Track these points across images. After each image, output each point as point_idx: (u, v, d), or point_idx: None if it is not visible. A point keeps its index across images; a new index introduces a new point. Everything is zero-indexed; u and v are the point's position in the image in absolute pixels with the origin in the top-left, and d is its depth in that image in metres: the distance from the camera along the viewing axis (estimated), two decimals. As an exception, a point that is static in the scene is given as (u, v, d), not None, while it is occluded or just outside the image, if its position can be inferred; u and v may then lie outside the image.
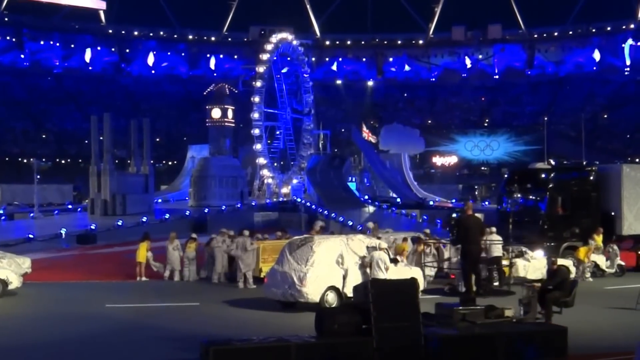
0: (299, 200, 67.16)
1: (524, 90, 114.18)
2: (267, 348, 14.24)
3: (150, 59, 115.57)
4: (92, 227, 45.38)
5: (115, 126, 61.78)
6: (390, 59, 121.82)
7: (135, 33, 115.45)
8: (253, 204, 65.75)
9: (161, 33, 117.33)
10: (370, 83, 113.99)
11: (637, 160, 78.66)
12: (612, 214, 33.00)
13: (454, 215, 25.73)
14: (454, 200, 78.25)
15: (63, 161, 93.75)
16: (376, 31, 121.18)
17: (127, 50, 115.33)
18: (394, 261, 24.02)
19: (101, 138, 57.77)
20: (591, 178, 33.93)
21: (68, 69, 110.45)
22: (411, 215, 55.09)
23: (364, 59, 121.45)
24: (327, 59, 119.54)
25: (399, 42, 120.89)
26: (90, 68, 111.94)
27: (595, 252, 31.16)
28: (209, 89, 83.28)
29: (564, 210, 32.20)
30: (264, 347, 14.30)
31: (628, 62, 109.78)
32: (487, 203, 71.21)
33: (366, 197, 73.37)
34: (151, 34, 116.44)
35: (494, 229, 29.49)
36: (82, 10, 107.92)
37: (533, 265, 29.16)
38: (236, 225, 35.40)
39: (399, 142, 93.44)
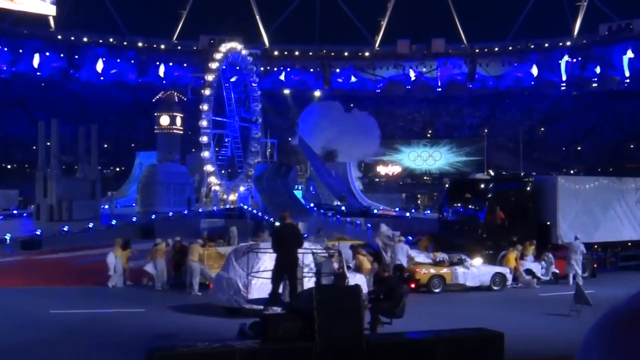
0: (245, 207, 67.01)
1: (466, 103, 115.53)
2: (212, 354, 14.16)
3: (99, 66, 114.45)
4: (38, 232, 44.70)
5: (63, 132, 61.07)
6: (337, 70, 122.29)
7: (85, 39, 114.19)
8: (200, 210, 65.41)
9: (111, 40, 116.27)
10: (317, 93, 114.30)
11: (572, 172, 79.88)
12: (548, 223, 33.50)
13: (276, 223, 25.80)
14: (397, 209, 78.75)
15: (9, 166, 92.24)
16: (324, 43, 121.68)
17: (76, 57, 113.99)
18: (348, 267, 24.15)
19: (48, 144, 57.04)
20: (528, 189, 34.46)
21: (16, 74, 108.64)
22: (355, 223, 55.27)
23: (311, 70, 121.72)
24: (275, 69, 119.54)
25: (346, 53, 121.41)
26: (38, 73, 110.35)
27: (527, 260, 31.75)
28: (157, 97, 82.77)
29: (502, 219, 32.61)
30: (209, 353, 14.22)
31: (564, 78, 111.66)
32: (429, 212, 71.89)
33: (312, 204, 73.48)
34: (100, 41, 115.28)
35: (402, 238, 30.04)
36: (31, 16, 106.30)
37: (472, 272, 29.49)
38: (182, 231, 35.20)
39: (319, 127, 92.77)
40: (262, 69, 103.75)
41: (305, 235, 40.76)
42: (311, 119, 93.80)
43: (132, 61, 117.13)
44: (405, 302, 19.71)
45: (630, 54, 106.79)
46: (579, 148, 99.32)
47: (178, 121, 72.94)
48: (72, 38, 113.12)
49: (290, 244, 21.77)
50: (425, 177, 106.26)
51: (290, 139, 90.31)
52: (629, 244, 36.04)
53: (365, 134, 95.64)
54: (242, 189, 77.77)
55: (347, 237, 35.34)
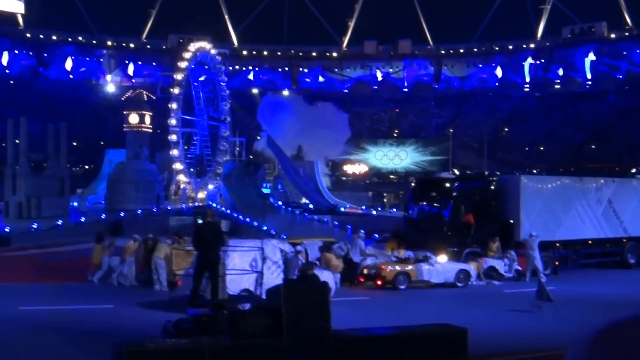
0: (214, 205, 66.83)
1: (431, 103, 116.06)
2: (180, 350, 14.15)
3: (69, 64, 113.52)
4: (7, 229, 44.33)
5: (32, 130, 60.56)
6: (305, 70, 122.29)
7: (54, 37, 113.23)
8: (169, 208, 65.16)
9: (80, 38, 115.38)
10: (285, 93, 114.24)
11: (535, 171, 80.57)
12: (511, 221, 33.77)
13: (199, 221, 25.77)
14: (364, 207, 78.89)
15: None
16: (292, 43, 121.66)
17: (45, 55, 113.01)
18: (311, 265, 24.16)
19: (17, 141, 56.55)
20: (492, 187, 34.70)
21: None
22: (323, 221, 55.36)
23: (279, 69, 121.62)
24: (243, 69, 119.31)
25: (314, 54, 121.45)
26: (7, 71, 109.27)
27: (492, 257, 32.10)
28: (127, 95, 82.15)
29: (467, 218, 32.83)
30: (177, 349, 14.22)
31: (528, 79, 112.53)
32: (395, 210, 72.16)
33: (280, 202, 73.45)
34: (70, 39, 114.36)
35: (361, 234, 30.46)
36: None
37: (437, 269, 29.68)
38: (151, 229, 35.07)
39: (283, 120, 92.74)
40: (230, 68, 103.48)
41: (273, 232, 40.88)
42: (277, 115, 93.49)
43: (101, 60, 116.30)
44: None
45: (592, 56, 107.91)
46: (541, 148, 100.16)
47: (147, 119, 72.55)
48: (41, 36, 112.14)
49: (212, 243, 21.75)
50: (391, 176, 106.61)
51: (258, 137, 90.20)
52: (590, 242, 36.43)
53: (333, 128, 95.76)
54: (210, 187, 77.59)
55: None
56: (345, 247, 31.11)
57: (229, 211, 61.36)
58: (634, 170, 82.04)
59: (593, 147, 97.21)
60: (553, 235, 34.27)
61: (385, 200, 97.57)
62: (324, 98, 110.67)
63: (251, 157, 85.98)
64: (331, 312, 14.64)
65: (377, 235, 36.10)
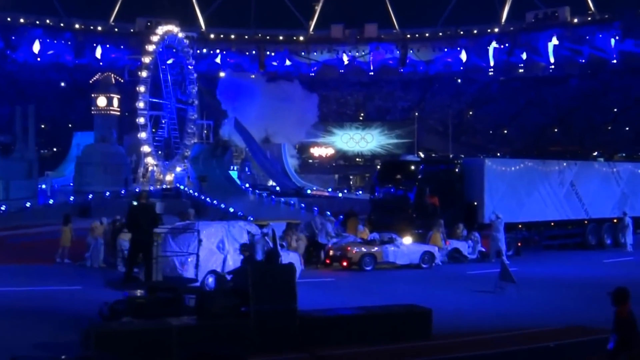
0: (182, 187, 66.46)
1: (397, 87, 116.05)
2: (148, 331, 14.08)
3: (36, 47, 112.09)
4: (-25, 212, 43.89)
5: (0, 112, 59.79)
6: (272, 54, 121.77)
7: (21, 20, 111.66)
8: (137, 190, 64.67)
9: (47, 21, 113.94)
10: (252, 76, 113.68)
11: (499, 154, 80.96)
12: (475, 203, 33.92)
13: (134, 203, 25.69)
14: (330, 189, 78.88)
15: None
16: (259, 27, 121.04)
17: (13, 37, 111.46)
18: (281, 246, 24.20)
19: (-16, 124, 55.91)
20: (457, 170, 34.83)
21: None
22: (289, 203, 55.25)
23: (247, 53, 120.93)
24: (211, 52, 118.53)
25: (281, 37, 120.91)
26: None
27: (456, 239, 32.29)
28: (94, 78, 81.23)
29: (432, 200, 32.90)
30: (145, 330, 14.14)
31: (492, 64, 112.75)
32: (360, 192, 72.15)
33: (247, 185, 73.20)
34: (37, 22, 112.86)
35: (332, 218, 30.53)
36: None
37: (402, 251, 29.77)
38: (119, 211, 34.79)
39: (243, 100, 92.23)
40: (198, 51, 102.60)
41: (240, 214, 40.76)
42: (244, 98, 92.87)
43: (69, 42, 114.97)
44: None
45: (555, 40, 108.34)
46: (505, 131, 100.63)
47: (115, 102, 71.82)
48: (9, 19, 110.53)
49: (146, 224, 21.60)
50: (357, 159, 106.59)
51: (226, 120, 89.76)
52: (552, 224, 36.74)
53: (300, 111, 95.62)
54: (178, 169, 77.12)
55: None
56: (320, 226, 31.28)
57: (196, 193, 61.05)
58: (595, 153, 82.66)
59: (556, 130, 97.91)
60: (516, 217, 34.50)
61: (351, 182, 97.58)
62: (291, 81, 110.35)
63: (226, 140, 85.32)
64: (297, 293, 14.63)
65: (341, 217, 36.05)
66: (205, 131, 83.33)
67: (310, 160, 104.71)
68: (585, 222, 37.81)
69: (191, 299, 16.70)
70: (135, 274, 22.60)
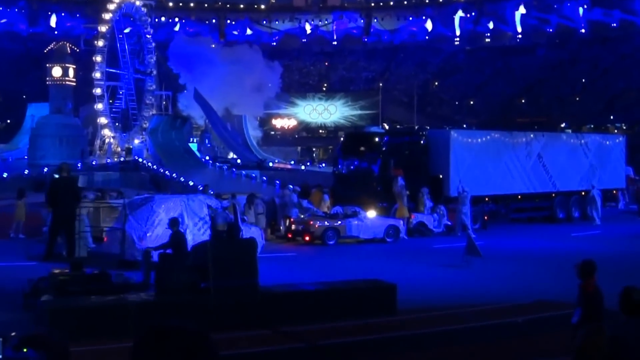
0: (140, 160, 66.06)
1: (361, 57, 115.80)
2: (105, 307, 13.98)
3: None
4: None
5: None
6: (233, 22, 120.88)
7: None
8: (93, 163, 64.17)
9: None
10: (212, 46, 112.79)
11: (465, 125, 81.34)
12: (441, 176, 34.02)
13: (55, 176, 25.68)
14: (292, 162, 78.85)
15: None
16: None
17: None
18: (242, 220, 24.14)
19: None
20: (422, 142, 34.87)
21: None
22: (251, 176, 55.16)
23: (206, 22, 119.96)
24: (170, 21, 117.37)
25: (241, 6, 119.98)
26: None
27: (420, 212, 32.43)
28: (49, 47, 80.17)
29: (396, 172, 32.92)
30: (102, 306, 14.03)
31: (458, 33, 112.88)
32: (324, 165, 72.22)
33: (207, 157, 72.94)
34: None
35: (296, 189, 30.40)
36: None
37: (366, 225, 29.81)
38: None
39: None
40: (156, 20, 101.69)
41: (200, 187, 40.60)
42: (203, 68, 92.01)
43: (23, 11, 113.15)
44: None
45: (522, 9, 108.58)
46: (471, 102, 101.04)
47: (71, 72, 71.00)
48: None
49: (67, 199, 21.34)
50: (320, 131, 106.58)
51: (185, 90, 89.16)
52: (519, 196, 37.00)
53: (262, 81, 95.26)
54: (136, 141, 76.60)
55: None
56: (288, 200, 31.45)
57: (155, 166, 60.73)
58: (563, 125, 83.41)
59: (523, 101, 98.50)
60: (482, 190, 34.66)
61: (314, 155, 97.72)
62: (252, 51, 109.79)
63: (179, 111, 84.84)
64: (258, 268, 14.59)
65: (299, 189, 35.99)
66: (164, 102, 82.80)
67: (272, 132, 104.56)
68: (553, 195, 38.13)
69: (120, 275, 16.72)
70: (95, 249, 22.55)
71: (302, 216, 30.85)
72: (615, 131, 76.99)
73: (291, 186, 34.61)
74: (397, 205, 31.93)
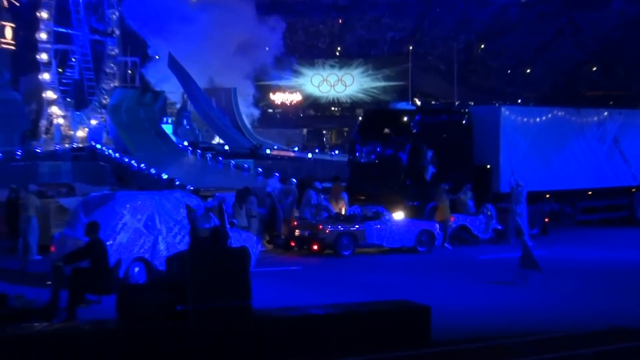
0: (98, 146, 66.16)
1: (385, 12, 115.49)
2: (51, 337, 13.94)
3: None
4: None
5: None
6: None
7: None
8: (38, 150, 64.31)
9: None
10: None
11: (520, 100, 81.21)
12: (488, 167, 33.94)
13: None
14: (296, 148, 78.80)
15: None
16: None
17: None
18: (231, 224, 24.13)
19: None
20: (464, 122, 34.82)
21: None
22: (242, 167, 55.11)
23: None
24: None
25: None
26: None
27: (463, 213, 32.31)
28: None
29: (430, 162, 32.85)
30: (48, 335, 14.00)
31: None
32: (337, 152, 72.14)
33: (185, 143, 73.02)
34: None
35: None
36: None
37: (391, 230, 29.74)
38: (15, 178, 34.58)
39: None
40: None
41: (177, 182, 40.65)
42: (178, 27, 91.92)
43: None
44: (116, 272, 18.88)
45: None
46: (528, 71, 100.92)
47: (8, 33, 71.22)
48: None
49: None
50: (332, 108, 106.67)
51: (157, 56, 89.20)
52: (589, 192, 36.88)
53: (257, 44, 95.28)
54: (93, 122, 76.73)
55: None
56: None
57: (117, 154, 60.79)
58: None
59: (594, 69, 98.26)
60: (542, 184, 34.60)
61: (324, 139, 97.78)
62: (242, 4, 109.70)
63: (154, 86, 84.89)
64: (251, 285, 14.58)
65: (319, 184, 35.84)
66: (129, 71, 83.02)
67: (270, 110, 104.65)
68: (633, 190, 38.03)
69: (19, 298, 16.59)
70: None
71: (308, 218, 30.84)
72: None
73: (294, 180, 34.50)
74: (433, 203, 31.91)
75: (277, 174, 44.54)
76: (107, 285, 17.40)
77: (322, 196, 32.69)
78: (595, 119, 37.38)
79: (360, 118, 44.63)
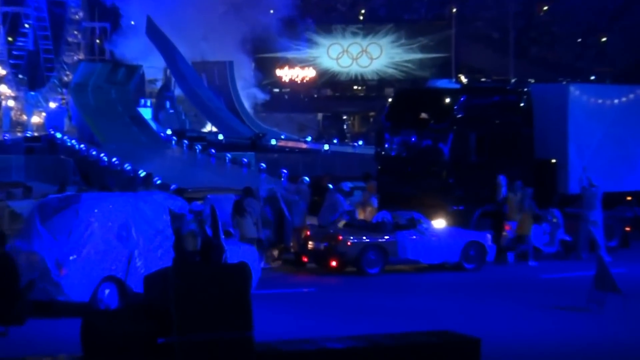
0: (58, 135, 66.35)
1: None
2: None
3: None
4: None
5: None
6: None
7: None
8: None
9: None
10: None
11: (593, 77, 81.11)
12: (553, 161, 33.86)
13: None
14: (309, 138, 78.76)
15: None
16: None
17: None
18: (227, 234, 24.16)
19: None
20: (522, 105, 34.74)
21: None
22: (241, 162, 55.13)
23: None
24: None
25: None
26: None
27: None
28: None
29: (480, 155, 32.82)
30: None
31: None
32: (360, 143, 72.09)
33: (168, 131, 73.20)
34: None
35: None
36: None
37: (430, 241, 29.69)
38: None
39: None
40: None
41: (158, 181, 40.76)
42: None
43: None
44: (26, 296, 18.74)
45: None
46: (603, 39, 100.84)
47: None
48: None
49: None
50: (355, 87, 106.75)
51: (132, 21, 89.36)
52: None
53: (259, 7, 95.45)
54: (52, 105, 76.99)
55: None
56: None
57: (82, 146, 60.92)
58: None
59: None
60: (622, 184, 34.56)
61: (345, 126, 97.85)
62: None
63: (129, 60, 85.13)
64: (252, 312, 14.64)
65: (348, 185, 35.82)
66: (97, 40, 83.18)
67: (277, 90, 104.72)
68: None
69: None
70: None
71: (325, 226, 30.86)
72: None
73: (306, 179, 34.53)
74: (485, 208, 31.90)
75: (284, 171, 44.69)
76: (16, 312, 17.32)
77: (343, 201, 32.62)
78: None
79: (390, 100, 44.63)
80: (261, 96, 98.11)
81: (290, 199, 32.09)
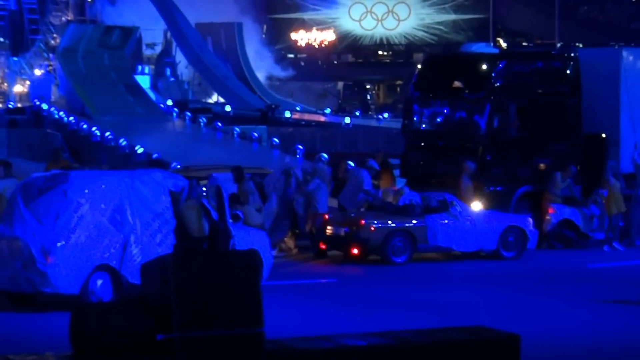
0: (44, 107, 66.48)
1: None
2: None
3: None
4: None
5: None
6: None
7: None
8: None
9: None
10: None
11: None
12: (603, 135, 33.83)
13: None
14: (328, 110, 78.74)
15: None
16: None
17: None
18: (234, 218, 24.13)
19: None
20: (568, 72, 34.69)
21: None
22: (251, 137, 55.13)
23: None
24: None
25: None
26: None
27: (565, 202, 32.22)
28: None
29: (521, 129, 32.82)
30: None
31: None
32: (385, 116, 72.01)
33: (169, 102, 73.27)
34: None
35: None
36: None
37: (465, 226, 29.70)
38: None
39: None
40: None
41: (156, 157, 40.86)
42: None
43: None
44: None
45: None
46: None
47: None
48: None
49: None
50: (380, 52, 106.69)
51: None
52: None
53: None
54: (38, 72, 77.07)
55: None
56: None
57: (72, 118, 61.03)
58: None
59: None
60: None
61: (368, 97, 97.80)
62: None
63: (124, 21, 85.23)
64: (262, 305, 14.69)
65: (375, 163, 35.79)
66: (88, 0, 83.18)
67: (291, 55, 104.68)
68: None
69: None
70: None
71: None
72: None
73: (325, 155, 34.55)
74: (525, 188, 31.91)
75: (299, 147, 44.69)
76: None
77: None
78: None
79: (419, 67, 44.60)
80: (270, 62, 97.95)
81: (305, 190, 31.68)
